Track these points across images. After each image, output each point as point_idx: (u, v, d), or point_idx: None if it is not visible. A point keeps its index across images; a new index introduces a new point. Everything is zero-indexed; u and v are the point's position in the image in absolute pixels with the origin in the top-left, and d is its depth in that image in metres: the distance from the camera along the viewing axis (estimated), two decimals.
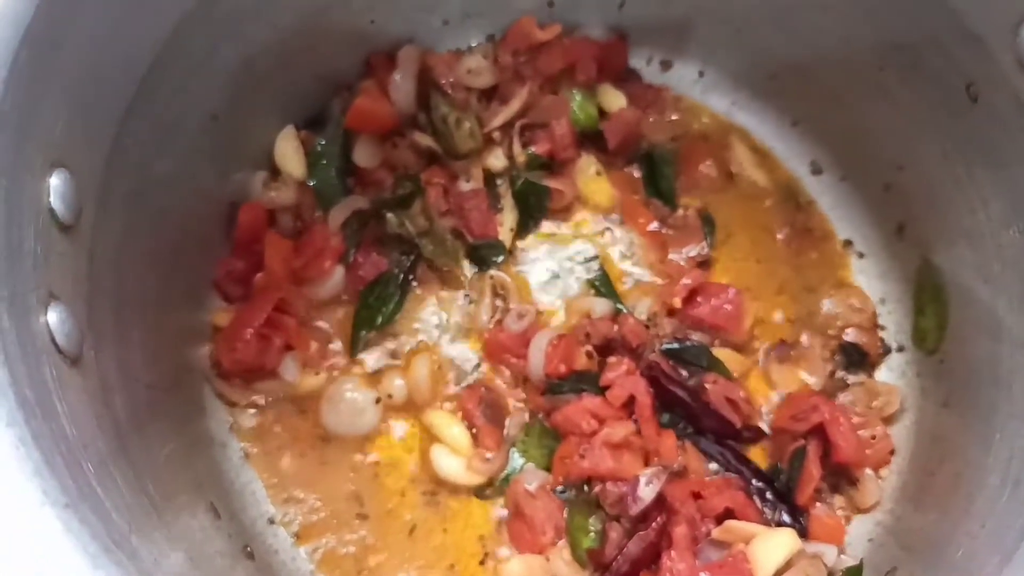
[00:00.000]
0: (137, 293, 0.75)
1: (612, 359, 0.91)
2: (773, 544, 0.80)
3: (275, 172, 0.97)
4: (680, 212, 1.00)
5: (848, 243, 1.00)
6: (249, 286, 0.93)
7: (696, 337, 0.94)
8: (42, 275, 0.58)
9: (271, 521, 0.87)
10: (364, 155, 0.98)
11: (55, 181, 0.60)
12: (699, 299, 0.94)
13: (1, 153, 0.55)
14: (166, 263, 0.81)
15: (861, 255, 0.99)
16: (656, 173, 1.01)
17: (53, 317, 0.57)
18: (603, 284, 0.96)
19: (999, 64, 0.73)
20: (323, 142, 0.97)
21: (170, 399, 0.80)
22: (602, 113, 1.02)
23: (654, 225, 1.00)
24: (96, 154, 0.67)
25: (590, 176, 1.01)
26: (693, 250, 0.98)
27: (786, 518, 0.87)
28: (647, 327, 0.93)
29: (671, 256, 0.98)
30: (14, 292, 0.54)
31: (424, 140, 0.98)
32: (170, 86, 0.75)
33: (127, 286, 0.72)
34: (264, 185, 0.95)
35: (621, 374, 0.89)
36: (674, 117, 1.06)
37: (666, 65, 1.06)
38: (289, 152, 0.96)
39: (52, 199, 0.60)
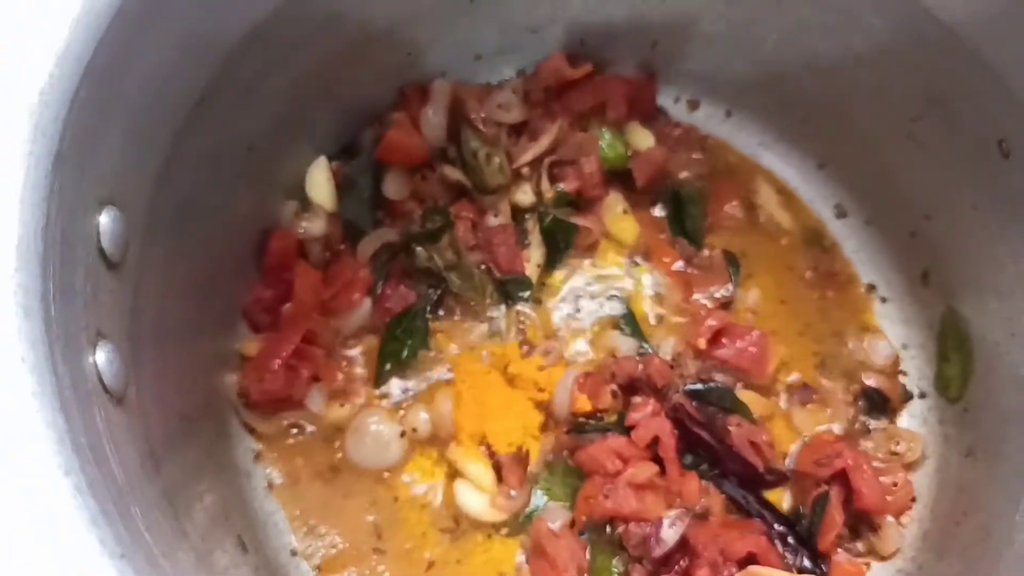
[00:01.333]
0: (175, 323, 0.76)
1: (637, 399, 0.91)
2: None
3: (306, 202, 0.97)
4: (705, 252, 1.01)
5: (871, 287, 1.01)
6: (277, 315, 0.94)
7: (720, 378, 0.95)
8: (92, 314, 0.58)
9: (293, 553, 0.87)
10: (394, 187, 0.98)
11: (104, 219, 0.61)
12: (724, 340, 0.95)
13: (60, 194, 0.55)
14: (201, 292, 0.82)
15: (884, 300, 1.00)
16: (682, 212, 1.02)
17: (101, 357, 0.57)
18: (629, 323, 0.97)
19: None
20: (354, 173, 0.98)
21: (199, 428, 0.80)
22: (630, 151, 1.03)
23: (679, 264, 1.00)
24: (143, 190, 0.67)
25: (617, 214, 1.01)
26: (718, 291, 0.99)
27: (807, 563, 0.87)
28: (672, 367, 0.93)
29: (696, 296, 0.99)
30: (67, 333, 0.54)
31: (454, 174, 0.99)
32: (216, 118, 0.76)
33: (167, 317, 0.73)
34: (295, 215, 0.96)
35: (647, 415, 0.89)
36: (701, 156, 1.06)
37: (694, 104, 1.07)
38: (320, 182, 0.96)
39: (102, 236, 0.60)
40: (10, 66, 0.55)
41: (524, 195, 1.00)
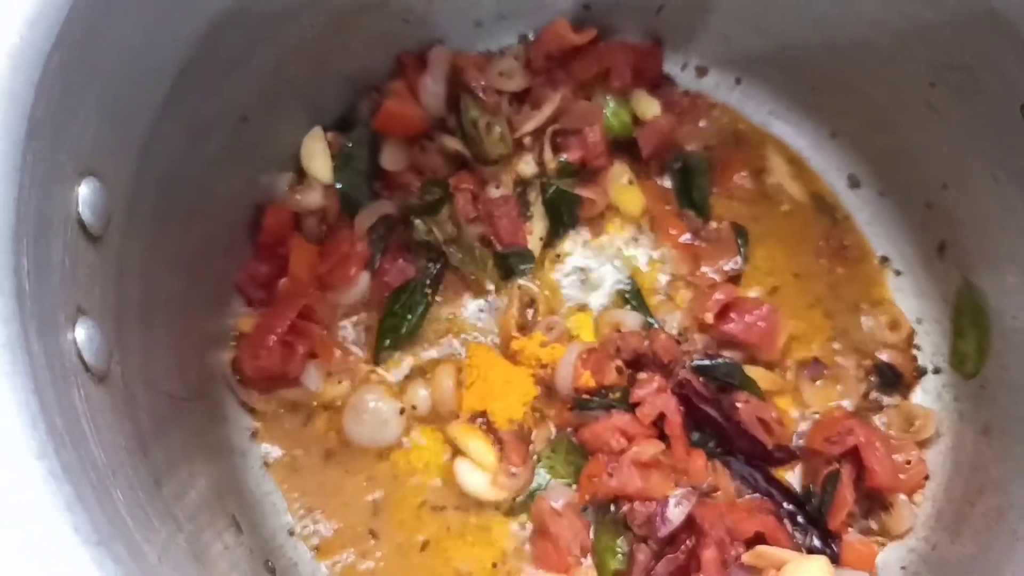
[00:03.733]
0: (163, 300, 0.73)
1: (643, 375, 0.89)
2: (805, 571, 0.78)
3: (301, 174, 0.94)
4: (713, 224, 0.98)
5: (885, 260, 0.98)
6: (272, 290, 0.91)
7: (728, 354, 0.92)
8: (70, 290, 0.56)
9: (291, 533, 0.86)
10: (391, 158, 0.96)
11: (84, 190, 0.58)
12: (732, 315, 0.92)
13: (33, 163, 0.52)
14: (191, 268, 0.80)
15: (898, 273, 0.97)
16: (690, 183, 0.99)
17: (81, 333, 0.55)
18: (634, 297, 0.94)
19: None
20: (350, 144, 0.95)
21: (191, 408, 0.78)
22: (636, 120, 0.99)
23: (686, 237, 0.97)
24: (126, 160, 0.65)
25: (622, 185, 0.98)
26: (726, 263, 0.96)
27: (817, 543, 0.85)
28: (678, 342, 0.91)
29: (703, 269, 0.96)
30: (42, 310, 0.52)
31: (453, 144, 0.96)
32: (202, 87, 0.73)
33: (153, 293, 0.70)
34: (290, 188, 0.93)
35: (652, 391, 0.87)
36: (709, 125, 1.03)
37: (702, 71, 1.04)
38: (316, 154, 0.94)
39: (81, 209, 0.58)
40: None
41: (526, 166, 0.97)
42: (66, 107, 0.56)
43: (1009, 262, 0.83)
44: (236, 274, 0.91)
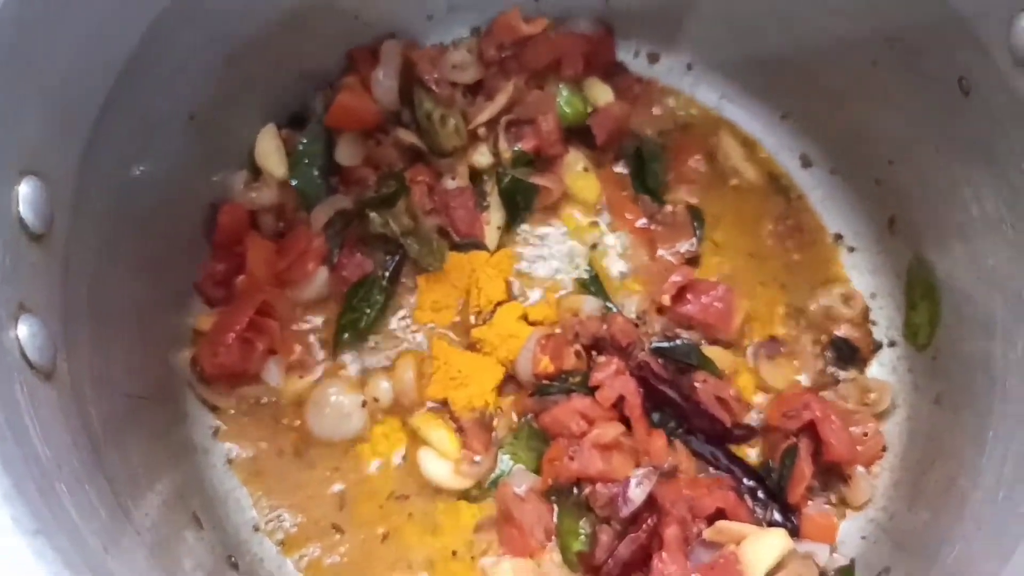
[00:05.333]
0: (115, 300, 0.73)
1: (601, 359, 0.90)
2: (764, 545, 0.79)
3: (256, 172, 0.94)
4: (669, 208, 0.98)
5: (839, 237, 0.99)
6: (231, 289, 0.92)
7: (686, 335, 0.93)
8: (11, 287, 0.56)
9: (255, 528, 0.86)
10: (347, 153, 0.96)
11: (24, 189, 0.59)
12: (689, 296, 0.93)
13: None
14: (145, 268, 0.80)
15: (852, 249, 0.98)
16: (644, 169, 1.00)
17: (24, 330, 0.55)
18: (592, 282, 0.95)
19: (992, 58, 0.72)
20: (305, 140, 0.95)
21: (151, 407, 0.78)
22: (589, 107, 1.00)
23: (642, 221, 0.98)
24: (69, 159, 0.65)
25: (578, 172, 0.99)
26: (682, 246, 0.97)
27: (778, 517, 0.86)
28: (636, 325, 0.92)
29: (660, 253, 0.97)
30: None
31: (408, 137, 0.96)
32: (147, 85, 0.73)
33: (105, 294, 0.70)
34: (245, 185, 0.93)
35: (611, 374, 0.87)
36: (662, 111, 1.04)
37: (654, 58, 1.05)
38: (270, 151, 0.94)
39: (21, 208, 0.58)
40: None
41: (482, 156, 0.98)
42: (4, 107, 0.56)
43: (955, 235, 0.84)
44: (194, 273, 0.91)
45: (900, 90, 0.85)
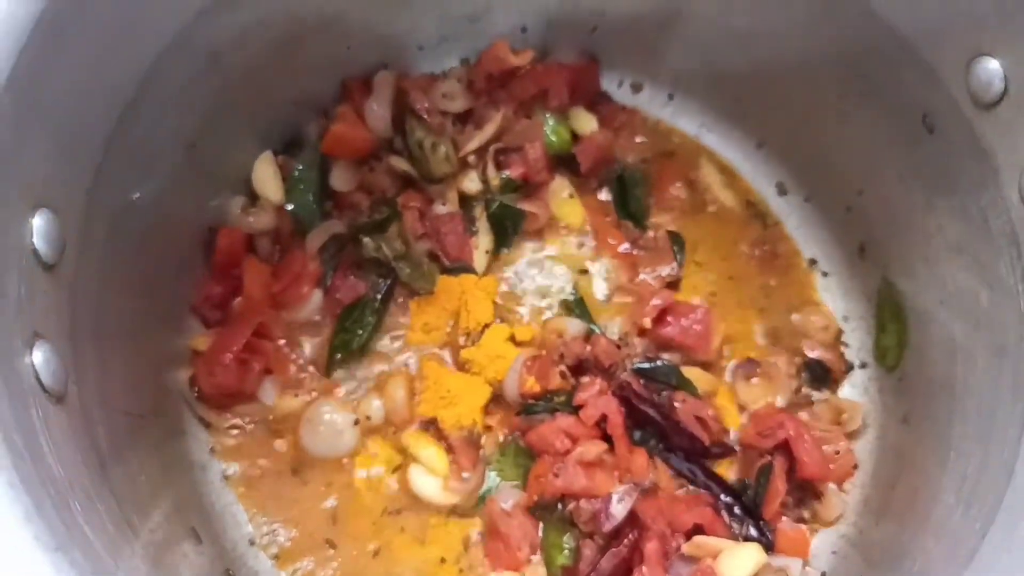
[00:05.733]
0: (118, 322, 0.76)
1: (585, 379, 0.93)
2: (739, 558, 0.83)
3: (253, 197, 0.98)
4: (650, 233, 1.03)
5: (813, 262, 1.03)
6: (228, 310, 0.95)
7: (666, 356, 0.97)
8: (27, 316, 0.59)
9: (251, 543, 0.89)
10: (341, 179, 1.00)
11: (38, 222, 0.62)
12: (669, 319, 0.97)
13: None
14: (146, 291, 0.83)
15: (825, 274, 1.02)
16: (627, 195, 1.04)
17: (38, 357, 0.58)
18: (577, 305, 0.99)
19: (954, 99, 0.77)
20: (300, 167, 0.99)
21: (150, 425, 0.82)
22: (575, 135, 1.04)
23: (625, 246, 1.02)
24: (77, 190, 0.68)
25: (563, 199, 1.03)
26: (663, 270, 1.01)
27: (753, 532, 0.90)
28: (619, 347, 0.95)
29: (642, 276, 1.01)
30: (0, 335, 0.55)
31: (400, 164, 1.00)
32: (149, 118, 0.77)
33: (108, 317, 0.73)
34: (242, 210, 0.97)
35: (594, 394, 0.91)
36: (645, 139, 1.08)
37: (637, 88, 1.09)
38: (267, 177, 0.97)
39: (36, 240, 0.61)
40: None
41: (471, 183, 1.02)
42: (17, 145, 0.59)
43: (920, 261, 0.89)
44: (192, 295, 0.94)
45: (866, 122, 0.90)
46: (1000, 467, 0.72)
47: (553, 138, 1.02)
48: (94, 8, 0.65)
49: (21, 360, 0.57)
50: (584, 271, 1.01)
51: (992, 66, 0.72)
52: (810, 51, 0.90)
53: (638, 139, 1.08)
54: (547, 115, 1.03)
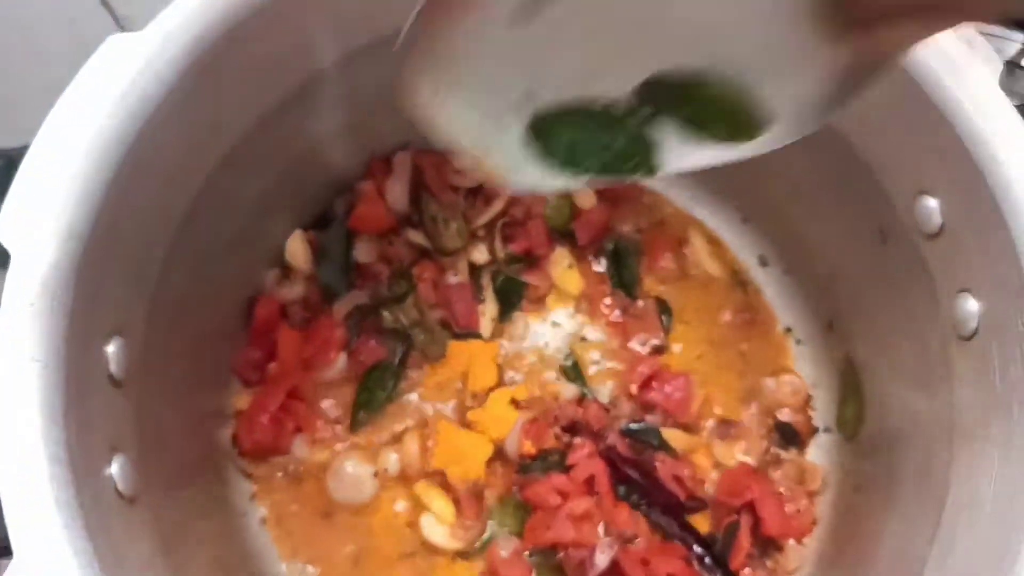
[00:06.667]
0: (172, 406, 0.89)
1: (577, 440, 1.05)
2: None
3: (286, 269, 1.10)
4: (640, 303, 1.13)
5: (788, 330, 1.14)
6: (264, 371, 1.08)
7: (650, 418, 1.09)
8: (104, 432, 0.72)
9: None
10: (364, 252, 1.11)
11: (112, 348, 0.74)
12: (654, 384, 1.08)
13: (70, 343, 0.68)
14: (195, 370, 0.96)
15: (799, 342, 1.13)
16: (621, 265, 1.15)
17: (115, 468, 0.71)
18: (573, 369, 1.11)
19: (902, 222, 0.86)
20: (328, 241, 1.11)
21: (200, 486, 0.95)
22: (574, 209, 1.15)
23: (616, 315, 1.13)
24: (141, 308, 0.80)
25: (563, 268, 1.14)
26: (651, 339, 1.12)
27: None
28: (607, 410, 1.07)
29: (631, 344, 1.12)
30: (85, 453, 0.68)
31: (416, 238, 1.11)
32: (200, 230, 0.87)
33: (164, 404, 0.86)
34: (276, 282, 1.09)
35: (584, 456, 1.03)
36: (639, 209, 1.18)
37: None
38: (298, 253, 1.09)
39: (111, 366, 0.74)
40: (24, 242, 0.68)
41: (479, 254, 1.13)
42: (94, 290, 0.71)
43: (877, 343, 0.99)
44: (232, 358, 1.07)
45: (833, 222, 1.00)
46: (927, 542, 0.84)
47: (553, 215, 1.13)
48: (159, 144, 0.76)
49: (102, 473, 0.70)
50: (582, 338, 1.13)
51: (931, 204, 0.82)
52: (780, 154, 0.99)
53: (633, 210, 1.18)
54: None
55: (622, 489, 1.05)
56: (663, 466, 1.05)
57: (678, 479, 1.05)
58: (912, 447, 0.92)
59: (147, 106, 0.73)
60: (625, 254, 1.15)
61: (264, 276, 1.09)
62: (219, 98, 0.81)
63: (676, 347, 1.13)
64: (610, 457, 1.04)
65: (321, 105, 0.97)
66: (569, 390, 1.09)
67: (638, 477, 1.03)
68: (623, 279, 1.15)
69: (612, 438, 1.05)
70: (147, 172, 0.75)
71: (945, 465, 0.82)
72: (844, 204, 0.97)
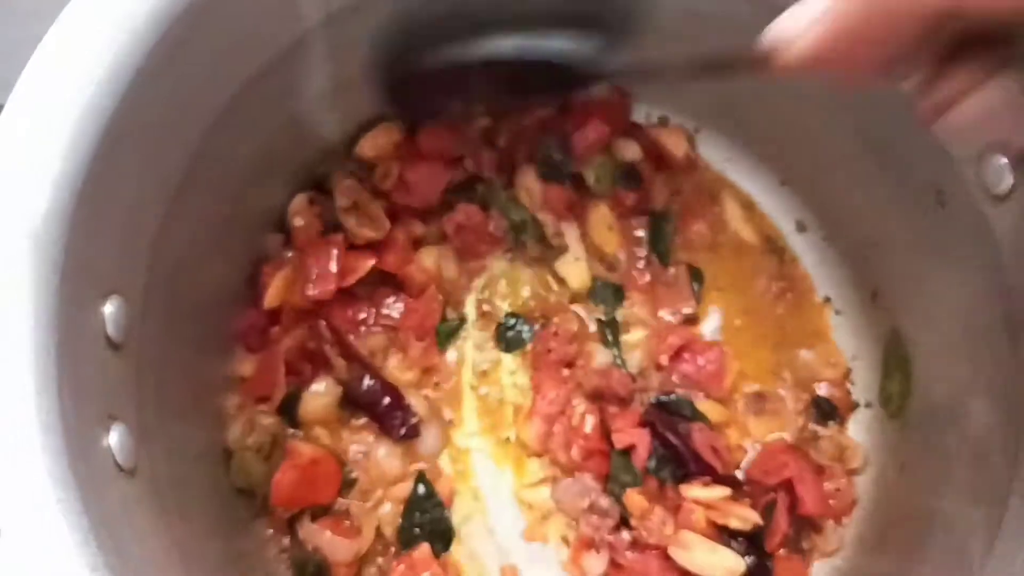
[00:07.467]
0: (174, 374, 0.83)
1: (613, 408, 1.00)
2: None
3: (288, 233, 1.03)
4: (672, 270, 1.07)
5: (827, 300, 1.07)
6: (267, 337, 1.02)
7: (680, 391, 1.02)
8: (102, 400, 0.66)
9: None
10: None
11: (109, 308, 0.68)
12: (685, 355, 1.02)
13: (66, 303, 0.62)
14: (198, 335, 0.89)
15: (838, 312, 1.07)
16: (658, 231, 1.08)
17: (114, 438, 0.65)
18: (611, 331, 1.04)
19: (967, 184, 0.80)
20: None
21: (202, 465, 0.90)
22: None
23: (648, 281, 1.07)
24: (139, 270, 0.74)
25: (604, 229, 1.06)
26: (682, 307, 1.06)
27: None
28: (634, 380, 1.01)
29: (661, 313, 1.06)
30: (81, 421, 0.62)
31: None
32: (200, 189, 0.81)
33: (166, 376, 0.80)
34: (281, 246, 1.02)
35: (628, 424, 0.97)
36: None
37: (663, 121, 1.12)
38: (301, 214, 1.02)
39: (108, 327, 0.67)
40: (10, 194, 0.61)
41: None
42: (87, 244, 0.65)
43: (927, 316, 0.93)
44: (236, 324, 1.01)
45: (879, 187, 0.93)
46: (987, 527, 0.78)
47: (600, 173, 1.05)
48: (149, 99, 0.69)
49: (100, 443, 0.64)
50: (612, 305, 1.06)
51: (1002, 162, 0.75)
52: (828, 114, 0.93)
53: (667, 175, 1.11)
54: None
55: (653, 463, 0.99)
56: (700, 436, 0.98)
57: (715, 450, 0.99)
58: (969, 425, 0.85)
59: (130, 60, 0.66)
60: (662, 220, 1.08)
61: (268, 241, 1.02)
62: (205, 57, 0.74)
63: (708, 317, 1.07)
64: (651, 421, 0.98)
65: (309, 65, 0.90)
66: (602, 356, 1.02)
67: (679, 444, 0.97)
68: (658, 247, 1.08)
69: (648, 407, 0.99)
70: (137, 127, 0.68)
71: (1011, 445, 0.77)
72: (889, 170, 0.91)
